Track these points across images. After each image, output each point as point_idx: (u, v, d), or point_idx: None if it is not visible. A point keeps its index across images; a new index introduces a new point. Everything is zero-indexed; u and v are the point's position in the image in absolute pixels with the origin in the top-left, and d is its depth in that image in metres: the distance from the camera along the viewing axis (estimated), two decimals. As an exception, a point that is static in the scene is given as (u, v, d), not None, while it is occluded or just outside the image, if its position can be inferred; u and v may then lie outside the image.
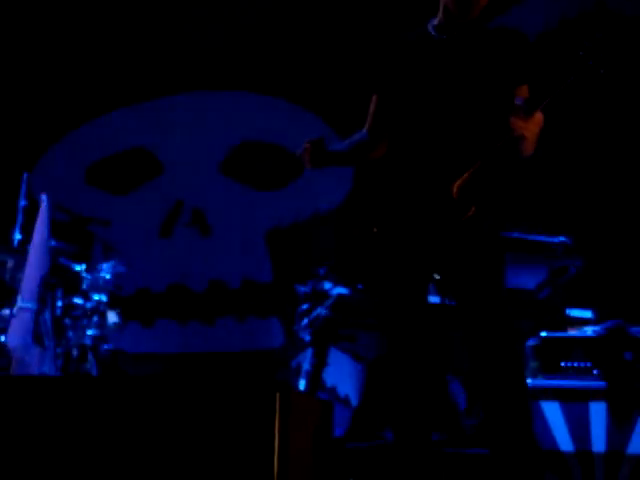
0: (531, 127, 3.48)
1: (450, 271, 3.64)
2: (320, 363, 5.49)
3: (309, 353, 5.55)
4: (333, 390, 5.49)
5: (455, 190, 3.55)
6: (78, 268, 5.75)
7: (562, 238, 5.38)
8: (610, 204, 6.37)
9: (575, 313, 5.35)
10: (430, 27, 3.72)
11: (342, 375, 5.51)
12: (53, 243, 5.41)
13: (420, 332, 3.67)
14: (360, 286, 5.43)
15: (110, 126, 7.09)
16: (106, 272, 5.83)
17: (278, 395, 2.94)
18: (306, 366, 5.56)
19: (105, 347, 5.74)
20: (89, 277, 5.75)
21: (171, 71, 7.04)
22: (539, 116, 3.49)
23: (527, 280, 5.24)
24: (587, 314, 5.35)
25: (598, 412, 4.65)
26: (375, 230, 3.64)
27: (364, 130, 3.86)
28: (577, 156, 6.32)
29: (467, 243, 3.59)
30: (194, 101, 7.08)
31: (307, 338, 5.63)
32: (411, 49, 3.72)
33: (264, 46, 6.96)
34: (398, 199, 3.63)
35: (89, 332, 5.67)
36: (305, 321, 5.68)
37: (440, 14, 3.69)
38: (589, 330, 5.16)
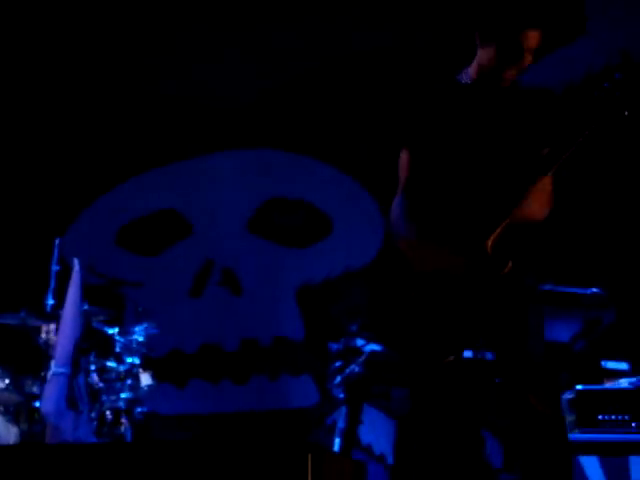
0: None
1: (490, 327, 3.62)
2: (354, 421, 5.45)
3: (343, 411, 5.52)
4: (369, 448, 5.45)
5: (490, 246, 3.54)
6: (111, 331, 5.78)
7: (595, 289, 5.34)
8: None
9: (611, 365, 5.30)
10: (463, 79, 3.74)
11: (377, 433, 5.48)
12: (86, 307, 5.45)
13: (456, 389, 3.66)
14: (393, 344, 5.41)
15: (140, 188, 7.14)
16: (138, 334, 5.84)
17: (310, 456, 2.92)
18: (341, 424, 5.53)
19: (139, 410, 5.73)
20: (122, 340, 5.77)
21: (197, 132, 7.09)
22: (545, 182, 3.49)
23: (561, 333, 5.21)
24: (623, 366, 5.30)
25: (638, 466, 4.59)
26: (413, 294, 3.64)
27: (398, 199, 3.80)
28: (608, 206, 6.30)
29: (507, 299, 3.58)
30: (221, 161, 7.12)
31: (341, 396, 5.60)
32: (444, 101, 3.71)
33: (292, 103, 7.01)
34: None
35: (123, 395, 5.67)
36: (338, 379, 5.65)
37: (474, 69, 3.71)
38: (625, 382, 5.11)
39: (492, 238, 3.54)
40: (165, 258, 7.10)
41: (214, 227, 7.05)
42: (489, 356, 4.36)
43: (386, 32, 6.74)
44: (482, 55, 3.66)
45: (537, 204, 3.55)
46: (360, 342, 5.67)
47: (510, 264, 3.53)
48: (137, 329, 5.86)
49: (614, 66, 6.25)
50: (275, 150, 7.05)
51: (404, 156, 3.78)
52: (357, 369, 5.52)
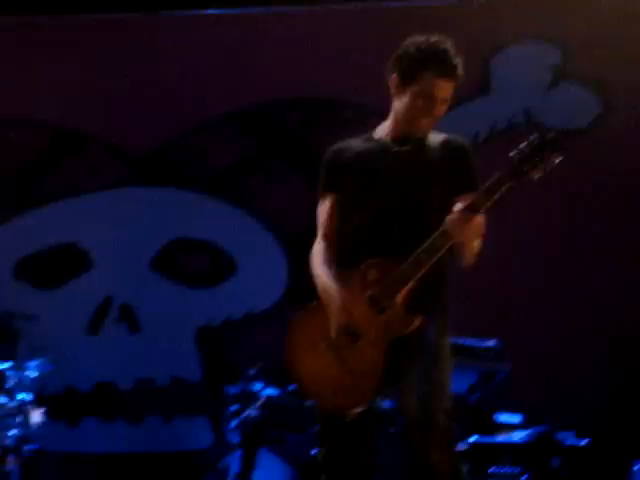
0: (468, 232, 3.54)
1: (393, 376, 3.66)
2: (249, 465, 5.43)
3: (238, 455, 5.49)
4: (262, 493, 5.43)
5: (399, 301, 3.60)
6: (2, 366, 5.65)
7: (491, 342, 5.42)
8: (538, 307, 6.47)
9: (504, 418, 5.38)
10: (378, 132, 3.84)
11: (272, 478, 5.45)
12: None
13: (359, 436, 3.69)
14: (291, 387, 5.41)
15: (40, 221, 7.03)
16: (32, 370, 5.73)
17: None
18: (235, 468, 5.49)
19: (28, 448, 5.62)
20: (14, 375, 5.66)
21: (102, 166, 7.03)
22: (478, 220, 3.55)
23: (457, 384, 5.25)
24: (516, 419, 5.38)
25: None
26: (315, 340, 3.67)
27: (319, 242, 3.87)
28: (509, 258, 6.42)
29: (414, 350, 3.62)
30: (126, 197, 7.06)
31: (236, 440, 5.57)
32: (359, 154, 3.81)
33: (198, 143, 7.00)
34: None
35: (11, 432, 5.55)
36: (234, 422, 5.62)
37: (390, 121, 3.82)
38: (518, 435, 5.19)
39: (403, 294, 3.60)
40: (64, 292, 7.00)
41: (116, 263, 6.97)
42: (389, 404, 4.41)
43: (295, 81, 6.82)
44: (397, 106, 3.76)
45: (468, 243, 3.60)
46: (258, 386, 5.66)
47: (421, 318, 3.60)
48: (31, 365, 5.75)
49: (526, 126, 6.45)
50: (181, 189, 7.02)
51: (323, 204, 3.87)
52: (254, 413, 5.50)
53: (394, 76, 3.75)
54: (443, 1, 6.79)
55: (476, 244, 3.63)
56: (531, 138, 3.50)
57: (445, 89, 3.68)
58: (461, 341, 5.24)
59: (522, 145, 3.50)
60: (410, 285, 3.60)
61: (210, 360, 6.90)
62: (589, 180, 6.47)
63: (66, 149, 7.03)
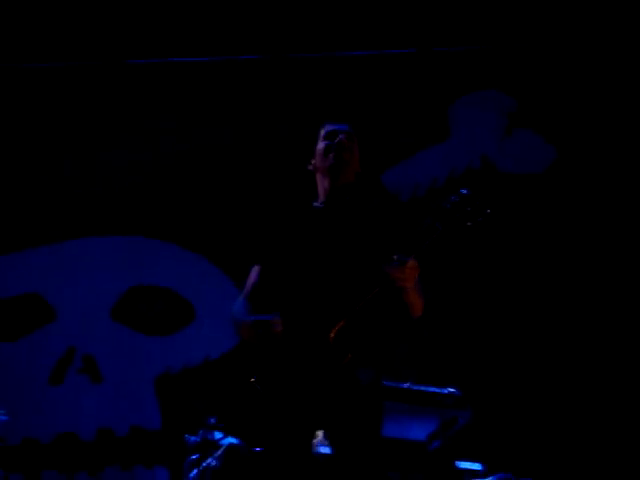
0: (407, 275, 3.59)
1: (329, 421, 3.68)
2: (209, 515, 5.38)
3: (198, 504, 5.44)
4: None
5: (331, 337, 3.64)
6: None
7: (451, 389, 5.43)
8: (497, 356, 6.49)
9: (464, 465, 5.37)
10: (313, 198, 3.96)
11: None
12: None
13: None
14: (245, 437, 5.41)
15: (1, 271, 7.00)
16: (-12, 422, 5.69)
17: None
18: (195, 518, 5.45)
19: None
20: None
21: (63, 216, 7.03)
22: (412, 262, 3.61)
23: (417, 431, 5.26)
24: (476, 466, 5.37)
25: None
26: (252, 381, 3.70)
27: (241, 299, 3.95)
28: (466, 306, 6.45)
29: (344, 392, 3.65)
30: (86, 246, 7.05)
31: (196, 489, 5.52)
32: (291, 218, 3.93)
33: (156, 193, 7.02)
34: (278, 349, 3.70)
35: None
36: (194, 472, 5.57)
37: (318, 184, 3.96)
38: (478, 483, 5.19)
39: (335, 329, 3.64)
40: (26, 343, 6.95)
41: (78, 313, 6.95)
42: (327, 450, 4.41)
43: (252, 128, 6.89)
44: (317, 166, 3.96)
45: (410, 286, 3.65)
46: (218, 435, 5.63)
47: (350, 356, 3.63)
48: (-13, 416, 5.71)
49: (475, 172, 6.53)
50: (138, 237, 7.02)
51: (253, 271, 4.00)
52: (214, 463, 5.46)
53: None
54: (404, 50, 6.87)
55: (413, 293, 3.68)
56: (463, 191, 3.59)
57: (339, 134, 3.92)
58: (421, 388, 5.25)
59: (453, 195, 3.58)
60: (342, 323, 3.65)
61: (169, 408, 6.87)
62: (543, 225, 6.54)
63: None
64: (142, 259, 6.98)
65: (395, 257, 3.59)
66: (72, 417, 6.82)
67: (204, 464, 5.50)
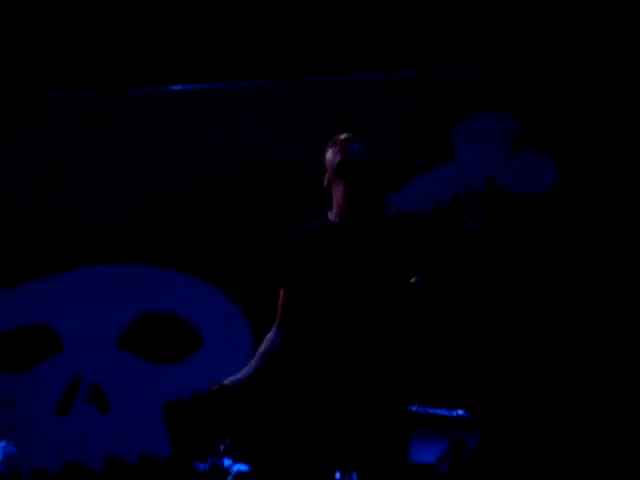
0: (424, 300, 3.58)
1: (355, 447, 3.66)
2: (219, 542, 5.35)
3: (208, 532, 5.41)
4: None
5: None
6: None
7: (461, 412, 5.41)
8: (505, 378, 6.46)
9: (474, 487, 5.35)
10: (330, 217, 3.92)
11: None
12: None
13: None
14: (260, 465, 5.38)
15: (8, 302, 7.01)
16: (-4, 453, 5.68)
17: None
18: None
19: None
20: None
21: (67, 246, 7.04)
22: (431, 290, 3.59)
23: (427, 454, 5.24)
24: (486, 488, 5.35)
25: None
26: (280, 414, 3.69)
27: (272, 334, 3.93)
28: (474, 329, 6.43)
29: (373, 418, 3.64)
30: (92, 276, 7.05)
31: (206, 517, 5.49)
32: (315, 240, 3.89)
33: (162, 221, 7.03)
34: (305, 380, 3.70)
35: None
36: (204, 499, 5.55)
37: (336, 209, 3.90)
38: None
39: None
40: (33, 374, 6.96)
41: (84, 342, 6.95)
42: (354, 477, 4.39)
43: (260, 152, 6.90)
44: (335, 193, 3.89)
45: None
46: (227, 462, 5.60)
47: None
48: (-5, 447, 5.70)
49: (480, 192, 6.52)
50: (144, 265, 7.02)
51: (281, 294, 3.96)
52: (224, 489, 5.44)
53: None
54: (407, 73, 6.89)
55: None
56: (481, 215, 3.59)
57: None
58: (431, 410, 5.23)
59: (472, 221, 3.58)
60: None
61: (178, 436, 6.85)
62: (550, 244, 6.53)
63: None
64: (148, 287, 6.99)
65: (413, 280, 3.58)
66: (80, 447, 6.81)
67: (214, 491, 5.48)
